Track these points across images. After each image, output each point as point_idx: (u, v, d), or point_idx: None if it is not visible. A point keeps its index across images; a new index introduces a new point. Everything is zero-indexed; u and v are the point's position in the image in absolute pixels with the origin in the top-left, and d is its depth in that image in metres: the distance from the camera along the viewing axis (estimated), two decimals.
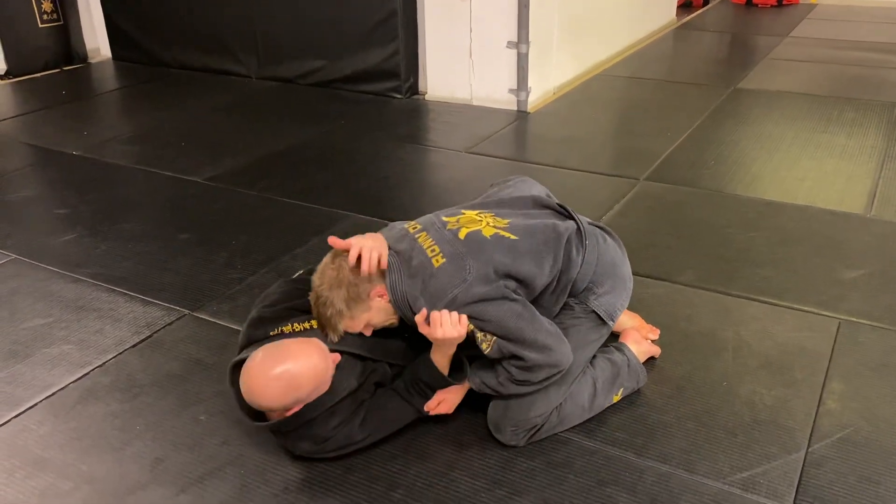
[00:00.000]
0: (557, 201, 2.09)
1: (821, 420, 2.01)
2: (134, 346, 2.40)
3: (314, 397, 1.79)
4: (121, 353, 2.36)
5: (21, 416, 2.10)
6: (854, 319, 2.43)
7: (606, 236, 2.07)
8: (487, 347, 1.82)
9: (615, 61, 5.69)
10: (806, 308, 2.49)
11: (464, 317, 1.78)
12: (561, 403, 1.94)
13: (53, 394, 2.19)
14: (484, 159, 3.88)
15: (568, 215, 2.01)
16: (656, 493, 1.79)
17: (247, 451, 1.94)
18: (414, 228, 1.96)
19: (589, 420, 2.00)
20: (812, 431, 1.97)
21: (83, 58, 5.95)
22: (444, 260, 1.83)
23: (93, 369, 2.29)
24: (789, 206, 3.23)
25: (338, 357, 1.84)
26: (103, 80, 5.64)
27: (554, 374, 1.86)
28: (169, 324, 2.50)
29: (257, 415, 1.84)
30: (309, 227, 3.13)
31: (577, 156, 3.88)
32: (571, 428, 1.98)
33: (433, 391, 1.92)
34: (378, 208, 3.29)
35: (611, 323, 2.01)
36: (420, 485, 1.83)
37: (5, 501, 1.81)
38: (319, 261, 1.90)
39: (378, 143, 4.13)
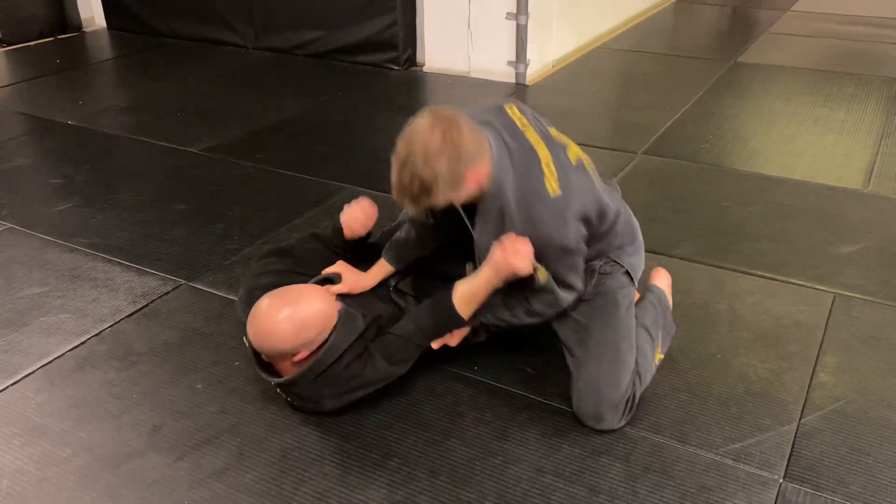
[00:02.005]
0: None
1: (813, 392, 2.02)
2: (130, 315, 2.40)
3: (321, 339, 1.79)
4: (117, 323, 2.36)
5: (18, 383, 2.11)
6: (849, 294, 2.44)
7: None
8: (544, 277, 1.77)
9: (615, 34, 5.64)
10: (801, 282, 2.50)
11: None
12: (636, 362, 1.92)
13: (50, 362, 2.19)
14: None
15: None
16: (649, 463, 1.81)
17: (244, 419, 1.96)
18: (521, 122, 1.75)
19: None
20: (805, 403, 1.98)
21: (77, 26, 5.88)
22: (560, 193, 1.69)
23: (89, 338, 2.29)
24: (787, 181, 3.23)
25: (339, 304, 1.86)
26: (98, 49, 5.58)
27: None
28: (165, 293, 2.50)
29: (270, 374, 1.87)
30: (305, 199, 3.12)
31: (576, 129, 3.83)
32: (565, 399, 1.98)
33: (443, 334, 1.91)
34: (375, 181, 3.27)
35: (635, 284, 2.05)
36: (415, 453, 1.84)
37: (4, 468, 1.83)
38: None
39: (375, 114, 4.10)
